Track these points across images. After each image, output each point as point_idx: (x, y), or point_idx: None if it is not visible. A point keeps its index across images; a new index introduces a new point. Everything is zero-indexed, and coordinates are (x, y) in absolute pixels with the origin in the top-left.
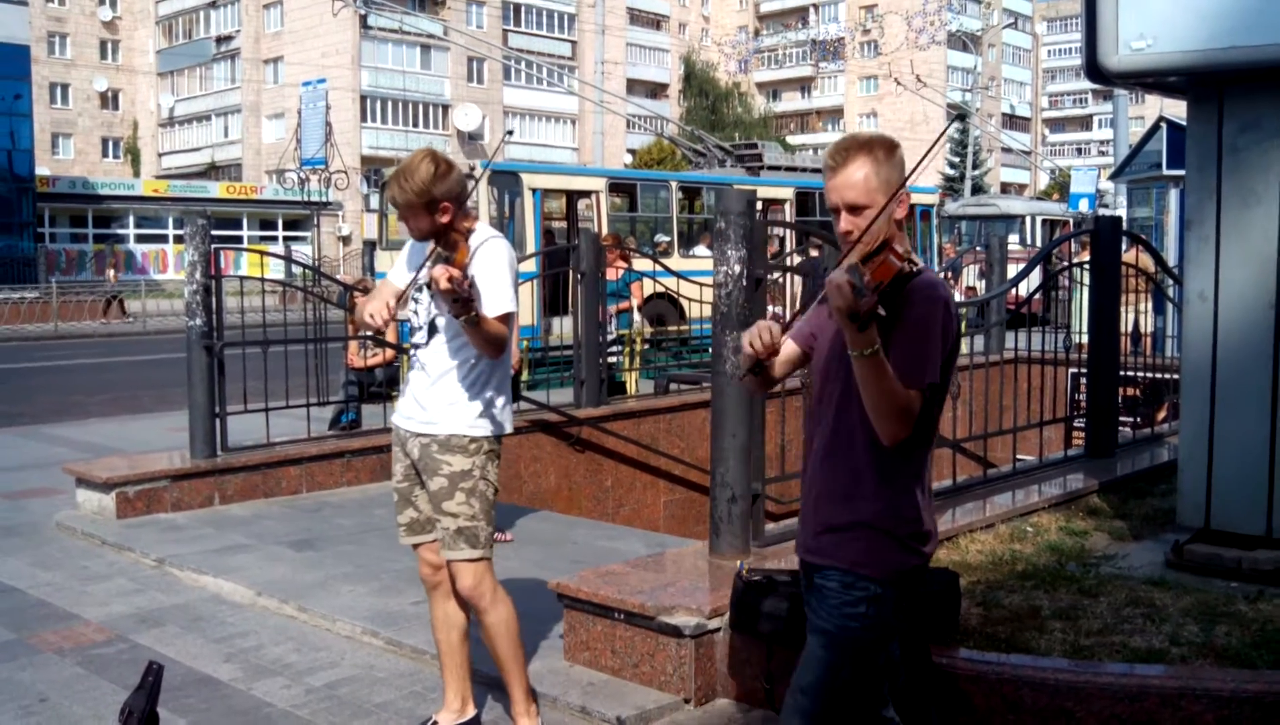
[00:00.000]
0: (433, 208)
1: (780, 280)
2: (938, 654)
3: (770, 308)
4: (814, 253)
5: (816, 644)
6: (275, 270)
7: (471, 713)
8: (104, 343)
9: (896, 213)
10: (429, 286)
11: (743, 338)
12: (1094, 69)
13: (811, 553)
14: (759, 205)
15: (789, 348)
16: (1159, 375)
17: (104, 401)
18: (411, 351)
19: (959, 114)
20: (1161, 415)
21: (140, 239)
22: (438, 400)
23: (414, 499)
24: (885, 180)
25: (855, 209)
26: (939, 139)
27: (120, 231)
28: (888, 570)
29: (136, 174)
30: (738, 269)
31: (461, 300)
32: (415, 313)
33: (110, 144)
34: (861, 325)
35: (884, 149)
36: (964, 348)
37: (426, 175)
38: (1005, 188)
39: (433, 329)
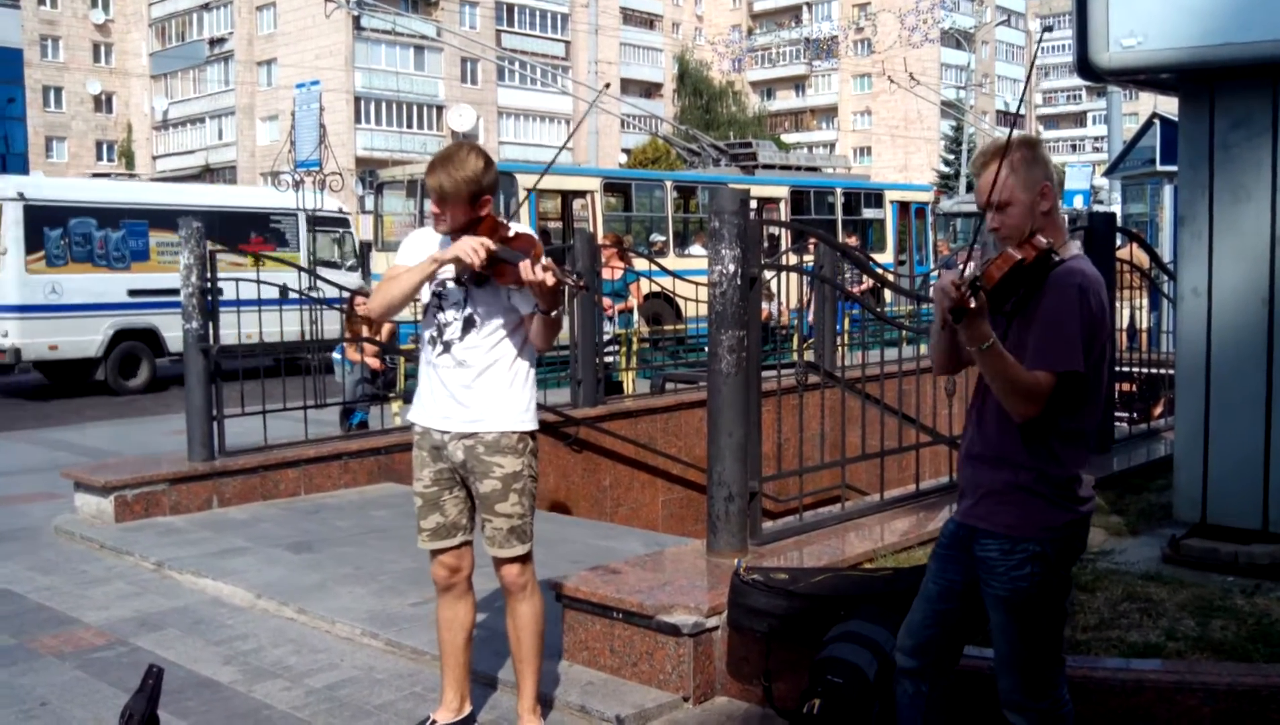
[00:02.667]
0: (475, 200)
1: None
2: None
3: (765, 306)
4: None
5: (996, 613)
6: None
7: (468, 709)
8: None
9: (1041, 206)
10: (466, 281)
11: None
12: (1086, 66)
13: (969, 517)
14: (754, 204)
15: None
16: (1155, 371)
17: (102, 405)
18: (433, 349)
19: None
20: (1158, 411)
21: None
22: (481, 398)
23: (442, 504)
24: (1023, 177)
25: (999, 206)
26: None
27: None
28: (1041, 528)
29: (131, 177)
30: (732, 268)
31: (554, 293)
32: (442, 309)
33: (104, 147)
34: (963, 322)
35: (1022, 147)
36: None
37: (478, 166)
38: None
39: (468, 324)
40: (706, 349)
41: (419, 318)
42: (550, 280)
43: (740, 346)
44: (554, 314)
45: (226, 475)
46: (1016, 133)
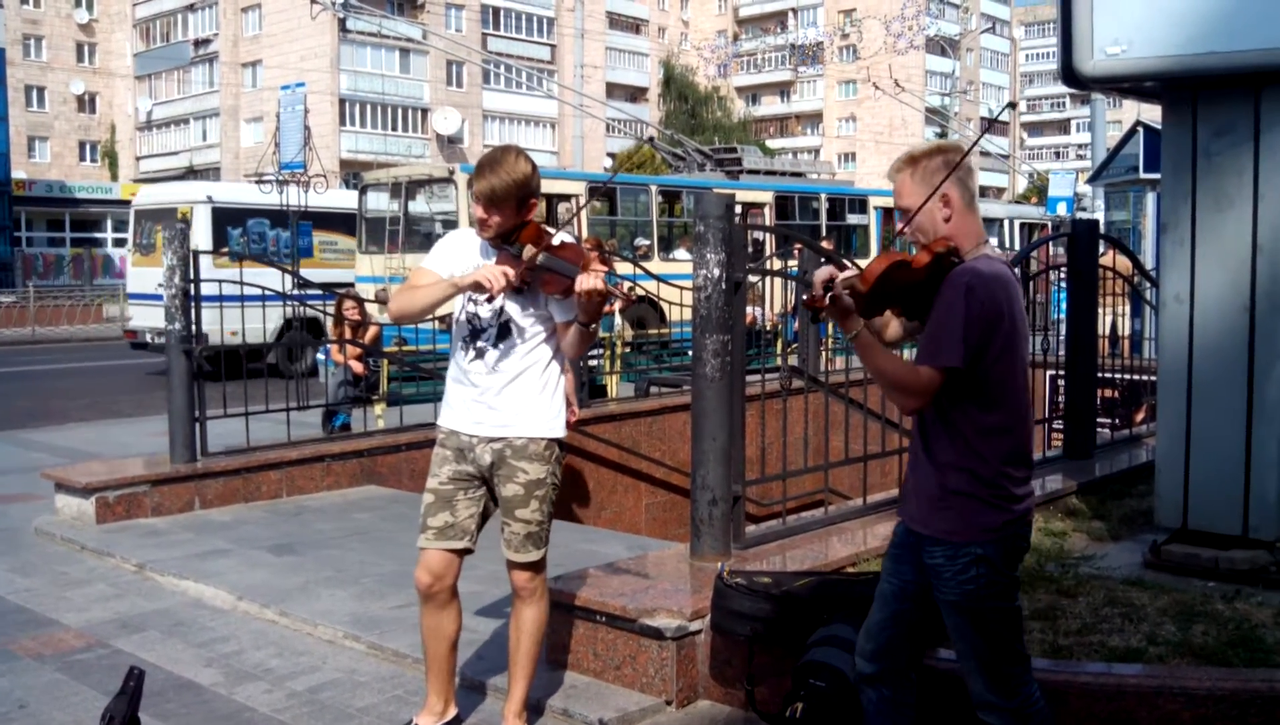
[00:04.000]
0: (523, 203)
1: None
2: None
3: (750, 309)
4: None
5: (949, 616)
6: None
7: (453, 713)
8: (82, 347)
9: (943, 212)
10: (525, 286)
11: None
12: (1069, 74)
13: (914, 521)
14: (738, 209)
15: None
16: (1137, 377)
17: (82, 406)
18: (465, 354)
19: (1009, 103)
20: (1140, 417)
21: (118, 243)
22: (512, 403)
23: (455, 503)
24: (925, 183)
25: (902, 211)
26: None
27: (98, 235)
28: (978, 530)
29: (114, 178)
30: (717, 272)
31: (602, 306)
32: (476, 314)
33: (87, 147)
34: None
35: (932, 155)
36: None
37: (527, 169)
38: (984, 191)
39: (504, 330)
40: (691, 353)
41: (438, 323)
42: (600, 290)
43: (725, 351)
44: (592, 327)
45: (208, 477)
46: (938, 141)
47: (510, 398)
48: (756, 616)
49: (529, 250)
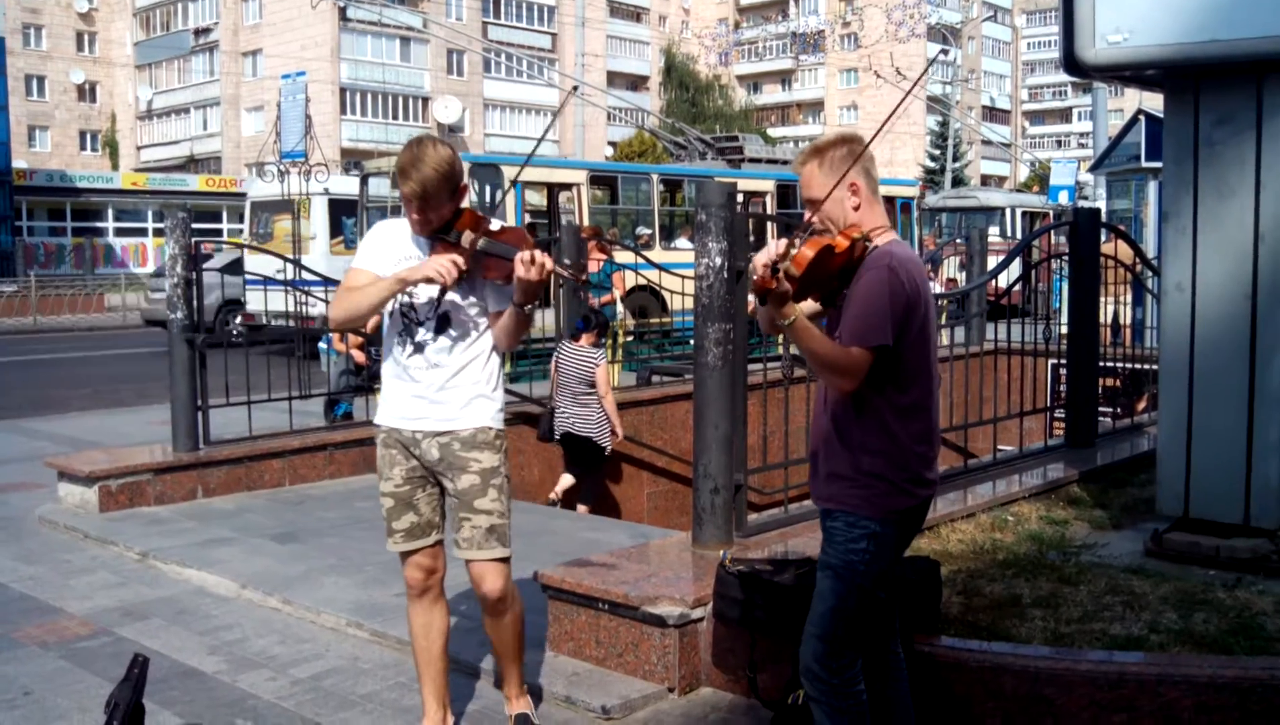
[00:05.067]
0: (455, 190)
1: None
2: (920, 642)
3: (750, 298)
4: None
5: (825, 578)
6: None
7: (451, 721)
8: (84, 337)
9: (851, 201)
10: (464, 275)
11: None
12: (1071, 62)
13: (821, 498)
14: (740, 198)
15: (809, 306)
16: (1138, 366)
17: (84, 395)
18: (402, 349)
19: (942, 49)
20: (1141, 405)
21: (119, 232)
22: (456, 396)
23: (416, 503)
24: (831, 173)
25: (810, 203)
26: (918, 79)
27: (99, 225)
28: (885, 510)
29: (115, 167)
30: (719, 261)
31: (540, 287)
32: (411, 305)
33: (88, 137)
34: (767, 303)
35: (836, 146)
36: (944, 340)
37: (448, 153)
38: (985, 180)
39: (443, 322)
40: (693, 342)
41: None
42: (547, 269)
43: (727, 339)
44: (528, 309)
45: (211, 465)
46: (841, 132)
47: (454, 392)
48: (758, 604)
49: (468, 236)
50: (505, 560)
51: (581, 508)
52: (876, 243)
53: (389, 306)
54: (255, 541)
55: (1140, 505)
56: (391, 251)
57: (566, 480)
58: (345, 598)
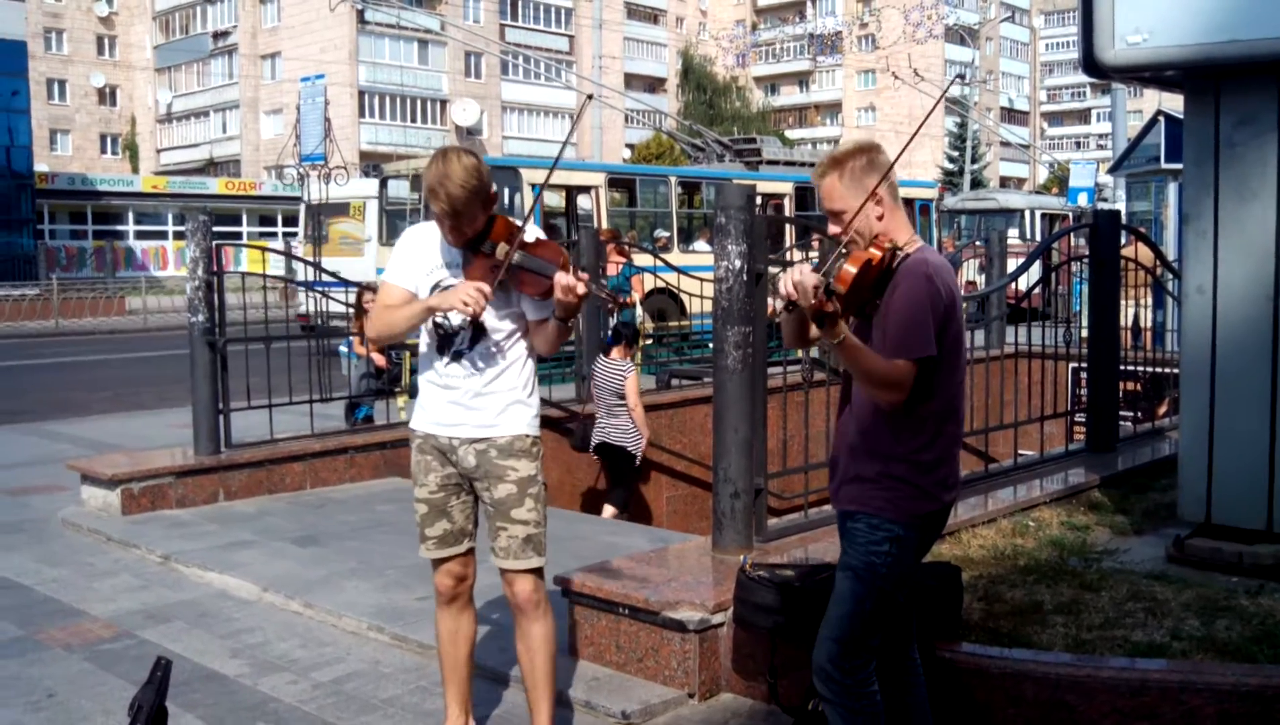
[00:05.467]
0: (487, 202)
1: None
2: (941, 648)
3: (770, 302)
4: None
5: (844, 579)
6: (275, 266)
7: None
8: (105, 340)
9: (875, 211)
10: (499, 285)
11: (781, 278)
12: (1091, 63)
13: (843, 500)
14: (758, 200)
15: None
16: (1159, 369)
17: (105, 398)
18: (439, 357)
19: (958, 74)
20: (1162, 410)
21: (140, 235)
22: (492, 402)
23: (449, 510)
24: (854, 184)
25: (834, 215)
26: (935, 105)
27: (120, 228)
28: (908, 514)
29: (135, 170)
30: (738, 264)
31: (579, 304)
32: (447, 317)
33: (108, 140)
34: (824, 325)
35: (856, 156)
36: (964, 342)
37: (473, 163)
38: (1004, 182)
39: (479, 331)
40: (711, 345)
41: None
42: (580, 290)
43: (746, 342)
44: (569, 322)
45: (232, 469)
46: (857, 141)
47: (491, 398)
48: (779, 609)
49: (502, 248)
50: (540, 570)
51: (608, 511)
52: (907, 251)
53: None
54: (276, 545)
55: (1162, 510)
56: (423, 261)
57: (608, 512)
58: (366, 601)
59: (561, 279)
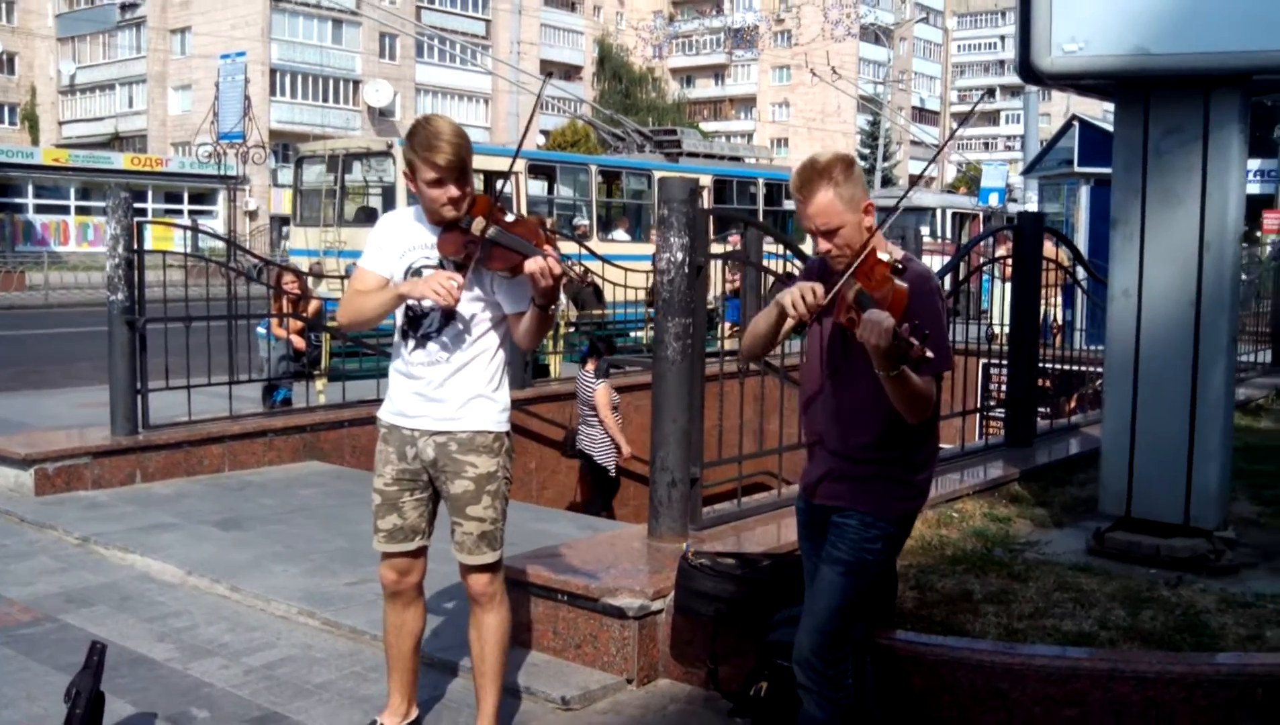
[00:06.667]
0: (468, 172)
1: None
2: (878, 636)
3: (709, 295)
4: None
5: (834, 573)
6: (177, 244)
7: (415, 714)
8: (4, 315)
9: (866, 221)
10: (473, 262)
11: (783, 299)
12: (1027, 69)
13: (831, 497)
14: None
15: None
16: (1067, 367)
17: (7, 376)
18: (406, 344)
19: (984, 94)
20: (1071, 406)
21: (40, 209)
22: (457, 394)
23: (401, 505)
24: (849, 198)
25: (828, 232)
26: (962, 122)
27: (18, 201)
28: (900, 513)
29: (35, 142)
30: (680, 256)
31: (557, 288)
32: (418, 301)
33: (6, 110)
34: (905, 364)
35: (841, 169)
36: None
37: (457, 125)
38: (913, 180)
39: (448, 317)
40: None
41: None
42: (558, 274)
43: (686, 334)
44: (550, 309)
45: (150, 450)
46: (832, 155)
47: (455, 389)
48: (721, 597)
49: (479, 223)
50: (496, 564)
51: None
52: (897, 260)
53: None
54: (198, 528)
55: (1079, 504)
56: (399, 242)
57: None
58: (295, 586)
59: (533, 263)
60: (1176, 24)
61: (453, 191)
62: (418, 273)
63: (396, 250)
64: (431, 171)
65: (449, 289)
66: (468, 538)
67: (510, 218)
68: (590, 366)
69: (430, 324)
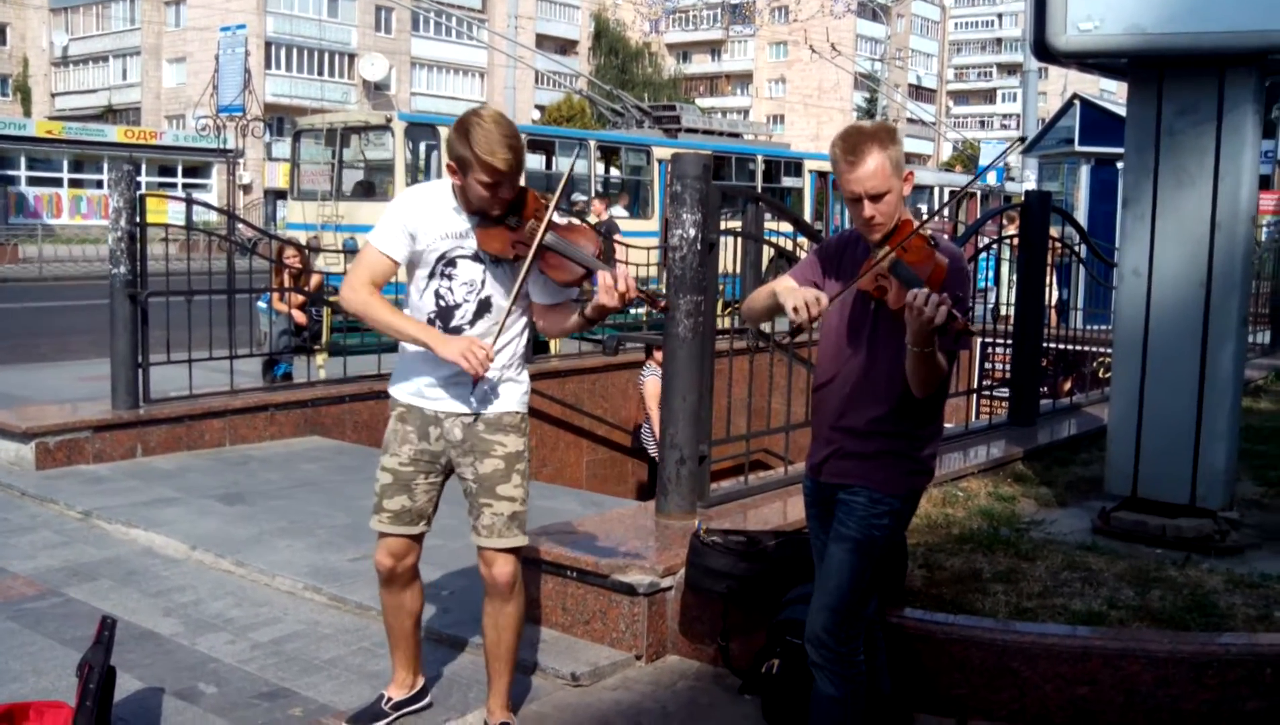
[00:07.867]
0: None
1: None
2: (889, 614)
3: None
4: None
5: (843, 550)
6: (173, 217)
7: (420, 682)
8: None
9: (905, 189)
10: (486, 261)
11: (787, 300)
12: (1041, 48)
13: (838, 475)
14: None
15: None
16: (1065, 347)
17: (3, 349)
18: (432, 327)
19: (1020, 137)
20: (1067, 385)
21: (32, 181)
22: (486, 379)
23: (414, 486)
24: (896, 162)
25: (876, 197)
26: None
27: (11, 173)
28: (907, 489)
29: (28, 114)
30: (692, 232)
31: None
32: (450, 289)
33: None
34: (944, 335)
35: (887, 133)
36: None
37: (518, 133)
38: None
39: (483, 307)
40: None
41: (409, 290)
42: (632, 295)
43: (698, 311)
44: (598, 322)
45: (151, 424)
46: (877, 121)
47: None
48: (733, 574)
49: (531, 226)
50: (520, 549)
51: None
52: (935, 238)
53: (421, 283)
54: (201, 502)
55: (1083, 483)
56: (430, 228)
57: None
58: (300, 561)
59: (606, 279)
60: (1192, 3)
61: (505, 194)
62: (451, 263)
63: (425, 237)
64: (489, 176)
65: (480, 360)
66: (498, 519)
67: (562, 220)
68: (649, 363)
69: (463, 316)
